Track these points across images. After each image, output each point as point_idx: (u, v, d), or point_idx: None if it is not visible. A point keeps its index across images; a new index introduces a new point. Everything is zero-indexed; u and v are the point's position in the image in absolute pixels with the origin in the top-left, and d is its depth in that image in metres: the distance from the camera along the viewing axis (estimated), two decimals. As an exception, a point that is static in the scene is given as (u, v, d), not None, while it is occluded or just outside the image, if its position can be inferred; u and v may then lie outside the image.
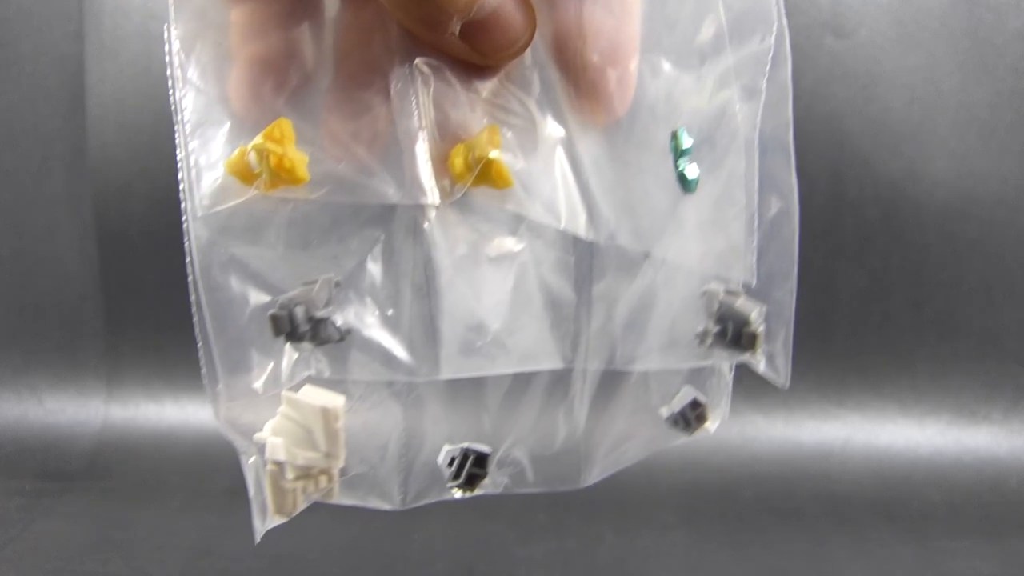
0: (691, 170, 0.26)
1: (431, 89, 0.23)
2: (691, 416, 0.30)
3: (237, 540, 0.54)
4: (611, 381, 0.30)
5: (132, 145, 0.67)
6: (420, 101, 0.23)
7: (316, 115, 0.24)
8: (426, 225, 0.25)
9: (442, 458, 0.30)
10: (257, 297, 0.24)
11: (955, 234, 0.65)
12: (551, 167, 0.25)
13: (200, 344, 0.24)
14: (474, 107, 0.24)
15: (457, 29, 0.22)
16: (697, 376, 0.30)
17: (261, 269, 0.24)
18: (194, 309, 0.24)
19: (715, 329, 0.27)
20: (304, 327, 0.24)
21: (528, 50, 0.24)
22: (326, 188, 0.23)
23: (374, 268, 0.25)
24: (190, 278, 0.23)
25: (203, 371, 0.24)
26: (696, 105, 0.26)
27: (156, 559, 0.52)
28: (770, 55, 0.25)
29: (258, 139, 0.22)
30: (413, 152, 0.23)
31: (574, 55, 0.24)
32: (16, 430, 0.66)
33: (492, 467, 0.30)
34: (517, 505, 0.57)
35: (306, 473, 0.26)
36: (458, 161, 0.23)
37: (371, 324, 0.25)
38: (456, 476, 0.30)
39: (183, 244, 0.23)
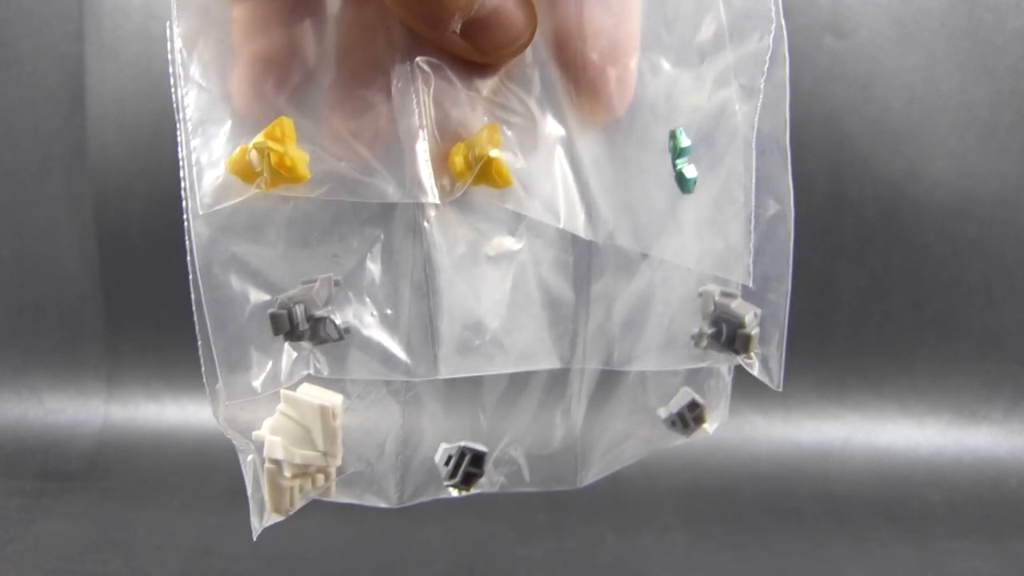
0: (689, 170, 0.26)
1: (432, 87, 0.23)
2: (689, 417, 0.30)
3: (237, 540, 0.54)
4: (609, 381, 0.30)
5: (132, 145, 0.67)
6: (421, 99, 0.23)
7: (317, 113, 0.24)
8: (426, 224, 0.25)
9: (439, 456, 0.30)
10: (257, 296, 0.24)
11: (955, 234, 0.65)
12: (551, 166, 0.25)
13: (200, 342, 0.24)
14: (474, 105, 0.24)
15: (458, 27, 0.22)
16: (696, 377, 0.30)
17: (261, 267, 0.24)
18: (194, 308, 0.24)
19: (710, 331, 0.27)
20: (303, 326, 0.24)
21: (528, 48, 0.24)
22: (327, 186, 0.23)
23: (373, 267, 0.25)
24: (190, 276, 0.23)
25: (203, 369, 0.24)
26: (696, 104, 0.26)
27: (156, 559, 0.52)
28: (768, 55, 0.25)
29: (259, 138, 0.22)
30: (414, 150, 0.23)
31: (574, 53, 0.24)
32: (16, 430, 0.66)
33: (489, 466, 0.30)
34: (517, 505, 0.57)
35: (303, 471, 0.26)
36: (458, 160, 0.23)
37: (370, 323, 0.25)
38: (453, 475, 0.30)
39: (183, 244, 0.23)
